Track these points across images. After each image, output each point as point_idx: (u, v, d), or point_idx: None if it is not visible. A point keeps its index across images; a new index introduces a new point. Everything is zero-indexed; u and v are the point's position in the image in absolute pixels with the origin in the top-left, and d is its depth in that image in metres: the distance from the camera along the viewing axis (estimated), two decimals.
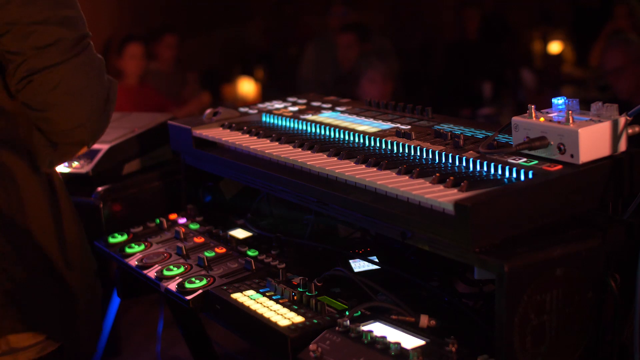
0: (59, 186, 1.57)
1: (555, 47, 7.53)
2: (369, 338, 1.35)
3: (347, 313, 1.47)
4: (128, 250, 1.91)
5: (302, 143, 1.75)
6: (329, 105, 2.10)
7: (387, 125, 1.82)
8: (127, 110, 2.58)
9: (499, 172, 1.41)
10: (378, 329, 1.41)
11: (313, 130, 1.88)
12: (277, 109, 2.11)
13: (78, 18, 1.41)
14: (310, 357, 1.34)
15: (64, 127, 1.40)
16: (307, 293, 1.56)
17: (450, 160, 1.52)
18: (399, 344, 1.31)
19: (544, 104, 1.53)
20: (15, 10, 1.33)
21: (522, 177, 1.35)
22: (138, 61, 5.54)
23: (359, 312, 1.48)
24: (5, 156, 1.42)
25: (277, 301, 1.54)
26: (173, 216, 2.07)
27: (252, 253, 1.79)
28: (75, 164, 2.11)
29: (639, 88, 4.09)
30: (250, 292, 1.59)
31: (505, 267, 1.21)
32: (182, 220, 2.05)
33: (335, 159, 1.64)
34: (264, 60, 8.17)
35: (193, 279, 1.67)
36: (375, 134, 1.74)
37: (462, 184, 1.34)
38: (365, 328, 1.39)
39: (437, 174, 1.41)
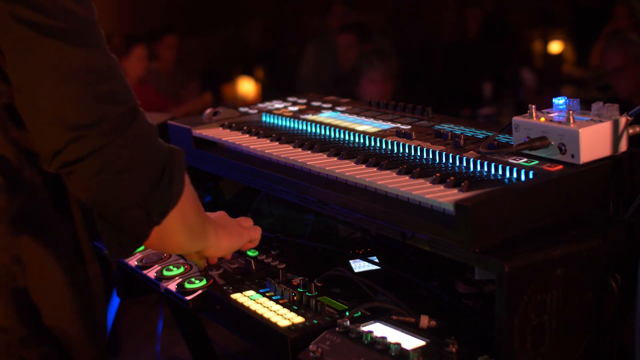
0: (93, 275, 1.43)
1: (555, 47, 7.54)
2: (369, 338, 1.35)
3: (347, 313, 1.47)
4: None
5: (302, 143, 1.75)
6: (329, 105, 2.10)
7: (388, 125, 1.82)
8: None
9: (500, 172, 1.40)
10: (378, 329, 1.41)
11: (313, 130, 1.88)
12: (277, 109, 2.11)
13: (124, 89, 1.26)
14: (310, 358, 1.34)
15: (115, 208, 1.26)
16: (307, 293, 1.56)
17: (450, 160, 1.52)
18: (399, 344, 1.31)
19: (545, 104, 1.52)
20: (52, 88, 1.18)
21: (523, 177, 1.35)
22: (143, 63, 5.56)
23: (359, 313, 1.47)
24: (25, 239, 1.30)
25: (277, 301, 1.54)
26: None
27: (252, 253, 1.79)
28: None
29: (639, 88, 4.09)
30: (250, 293, 1.59)
31: (506, 267, 1.21)
32: None
33: (336, 159, 1.64)
34: (264, 60, 8.17)
35: (193, 279, 1.67)
36: (375, 134, 1.74)
37: (462, 184, 1.34)
38: (365, 328, 1.39)
39: (438, 174, 1.41)
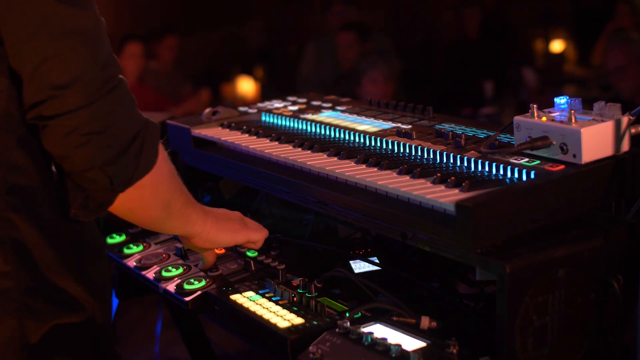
0: None
1: (557, 46, 7.52)
2: (370, 340, 1.34)
3: (347, 314, 1.46)
4: (126, 251, 1.89)
5: (302, 143, 1.74)
6: (329, 105, 2.09)
7: (388, 124, 1.81)
8: None
9: (501, 172, 1.39)
10: (378, 330, 1.40)
11: (313, 129, 1.87)
12: (277, 109, 2.10)
13: (108, 54, 1.29)
14: (310, 359, 1.33)
15: (79, 168, 1.29)
16: (306, 294, 1.55)
17: (451, 160, 1.51)
18: (399, 345, 1.30)
19: (546, 104, 1.51)
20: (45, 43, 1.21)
21: (524, 177, 1.34)
22: (137, 60, 5.54)
23: (359, 314, 1.46)
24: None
25: (276, 302, 1.53)
26: None
27: (251, 254, 1.78)
28: None
29: None
30: (250, 294, 1.58)
31: (507, 267, 1.20)
32: None
33: (336, 158, 1.63)
34: (263, 60, 8.16)
35: (192, 280, 1.66)
36: (375, 134, 1.73)
37: (463, 184, 1.33)
38: (365, 329, 1.38)
39: (439, 174, 1.40)
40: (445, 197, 1.31)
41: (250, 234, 1.65)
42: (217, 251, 1.81)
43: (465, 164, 1.48)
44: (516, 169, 1.37)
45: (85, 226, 1.42)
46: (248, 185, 1.81)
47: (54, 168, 1.37)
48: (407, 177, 1.45)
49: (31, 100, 1.24)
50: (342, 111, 2.00)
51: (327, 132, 1.83)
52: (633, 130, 1.40)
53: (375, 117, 1.88)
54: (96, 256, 1.45)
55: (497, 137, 1.56)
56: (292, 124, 1.94)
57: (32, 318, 1.32)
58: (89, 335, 1.41)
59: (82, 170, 1.29)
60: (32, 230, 1.31)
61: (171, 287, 1.67)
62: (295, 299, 1.54)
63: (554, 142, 1.38)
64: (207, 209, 1.58)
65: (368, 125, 1.82)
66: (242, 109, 2.15)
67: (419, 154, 1.58)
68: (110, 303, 1.50)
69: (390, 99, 2.00)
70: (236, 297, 1.57)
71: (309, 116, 1.97)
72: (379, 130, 1.76)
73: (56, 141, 1.27)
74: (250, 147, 1.79)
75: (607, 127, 1.37)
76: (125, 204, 1.36)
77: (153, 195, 1.40)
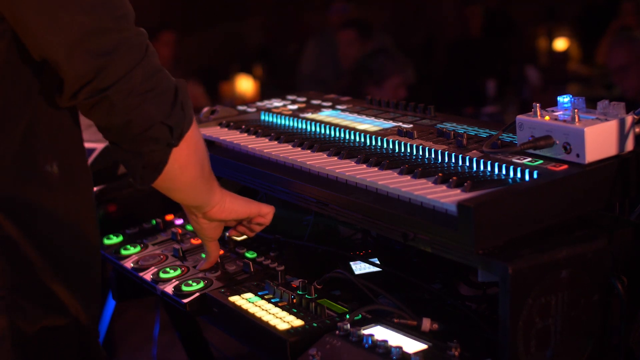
0: None
1: (560, 44, 7.51)
2: (370, 342, 1.32)
3: (347, 316, 1.45)
4: (123, 252, 1.88)
5: (302, 142, 1.72)
6: (329, 104, 2.08)
7: (389, 124, 1.79)
8: None
9: (503, 172, 1.38)
10: (379, 332, 1.39)
11: (313, 129, 1.85)
12: (276, 107, 2.08)
13: (132, 12, 1.32)
14: None
15: (140, 129, 1.31)
16: (306, 296, 1.54)
17: (453, 160, 1.49)
18: (400, 348, 1.29)
19: (549, 102, 1.50)
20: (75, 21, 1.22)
21: (527, 177, 1.33)
22: None
23: (360, 316, 1.45)
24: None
25: (276, 304, 1.52)
26: (169, 217, 2.04)
27: (250, 255, 1.77)
28: None
29: None
30: (249, 295, 1.57)
31: (510, 269, 1.19)
32: (179, 221, 2.02)
33: (336, 158, 1.61)
34: (262, 58, 8.15)
35: (190, 282, 1.65)
36: (376, 133, 1.71)
37: (465, 184, 1.32)
38: (366, 332, 1.37)
39: (440, 174, 1.39)
40: (446, 197, 1.30)
41: (262, 206, 1.68)
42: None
43: (467, 163, 1.46)
44: (519, 169, 1.35)
45: (75, 228, 1.42)
46: (247, 186, 1.80)
47: (54, 167, 1.36)
48: (408, 177, 1.44)
49: (81, 81, 1.25)
50: (342, 110, 1.99)
51: (327, 132, 1.81)
52: (637, 130, 1.39)
53: (376, 116, 1.87)
54: (85, 259, 1.45)
55: (500, 137, 1.55)
56: (291, 123, 1.93)
57: (21, 316, 1.33)
58: (75, 339, 1.41)
59: (144, 130, 1.31)
60: (16, 229, 1.31)
61: (169, 288, 1.66)
62: (294, 300, 1.52)
63: (557, 142, 1.37)
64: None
65: (369, 124, 1.81)
66: (240, 107, 2.14)
67: (420, 153, 1.57)
68: (96, 308, 1.50)
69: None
70: (235, 299, 1.55)
71: (309, 115, 1.96)
72: (380, 130, 1.75)
73: (115, 110, 1.29)
74: (249, 146, 1.78)
75: (611, 126, 1.36)
76: (174, 163, 1.39)
77: (195, 151, 1.45)
